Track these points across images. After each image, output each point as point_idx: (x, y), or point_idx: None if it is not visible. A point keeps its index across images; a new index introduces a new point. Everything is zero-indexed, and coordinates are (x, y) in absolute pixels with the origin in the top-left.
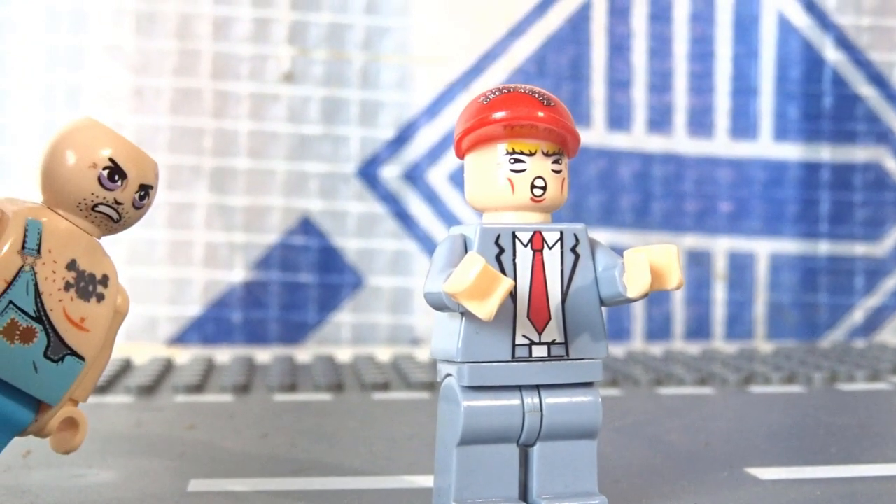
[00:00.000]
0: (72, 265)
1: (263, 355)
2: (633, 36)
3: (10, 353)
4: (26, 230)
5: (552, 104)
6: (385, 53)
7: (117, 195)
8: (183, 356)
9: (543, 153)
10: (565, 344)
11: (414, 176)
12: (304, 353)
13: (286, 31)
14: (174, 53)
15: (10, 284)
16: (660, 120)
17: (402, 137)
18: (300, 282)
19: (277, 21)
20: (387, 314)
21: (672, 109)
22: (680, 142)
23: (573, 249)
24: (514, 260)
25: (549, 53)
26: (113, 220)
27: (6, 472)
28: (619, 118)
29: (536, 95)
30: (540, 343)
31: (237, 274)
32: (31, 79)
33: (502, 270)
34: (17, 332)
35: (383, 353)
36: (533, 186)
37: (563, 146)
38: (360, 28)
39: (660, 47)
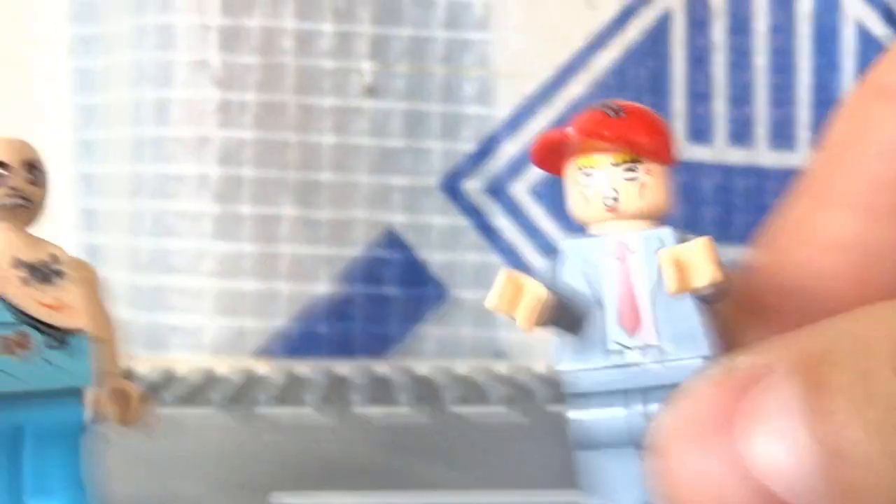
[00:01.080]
0: (17, 263)
1: (347, 368)
2: (712, 48)
3: (21, 366)
4: None
5: (622, 115)
6: (466, 67)
7: (10, 183)
8: (267, 368)
9: (612, 164)
10: (659, 346)
11: (496, 189)
12: (387, 366)
13: (368, 45)
14: (258, 68)
15: None
16: (741, 132)
17: (484, 151)
18: (384, 294)
19: (359, 35)
20: (470, 327)
21: (753, 122)
22: (761, 154)
23: (657, 253)
24: (598, 270)
25: (629, 66)
26: (24, 206)
27: (94, 486)
28: (699, 131)
29: (607, 109)
30: (633, 348)
31: (322, 287)
32: (118, 95)
33: (588, 281)
34: (13, 342)
35: (466, 367)
36: (604, 198)
37: (637, 153)
38: (441, 41)
39: (739, 59)
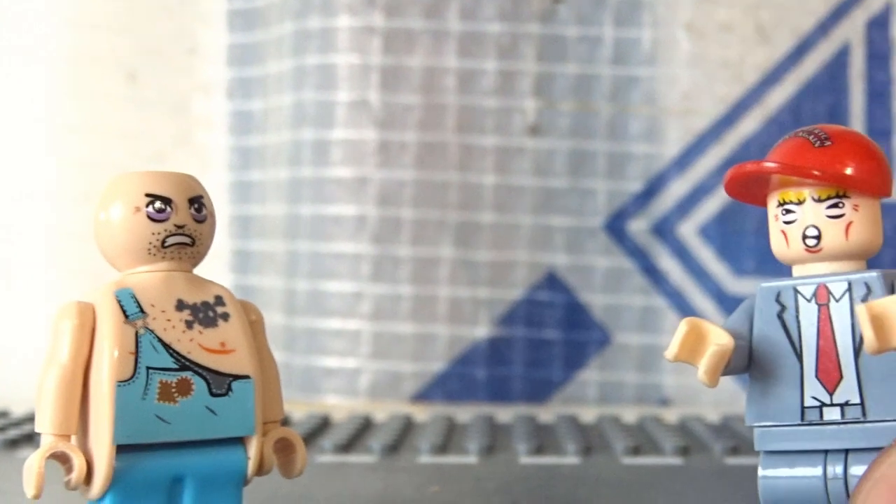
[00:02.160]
0: (180, 305)
1: (506, 414)
2: (893, 83)
3: (180, 413)
4: (119, 301)
5: (828, 143)
6: (633, 104)
7: (175, 221)
8: (425, 414)
9: (814, 199)
10: (862, 405)
11: (663, 230)
12: (547, 413)
13: (532, 82)
14: (419, 107)
15: (136, 354)
16: None
17: (651, 190)
18: (545, 338)
19: (523, 73)
20: (634, 372)
21: None
22: None
23: (865, 300)
24: (797, 317)
25: (804, 102)
26: (188, 245)
27: None
28: (886, 160)
29: (812, 137)
30: (832, 405)
31: (481, 330)
32: (276, 136)
33: (784, 328)
34: (174, 389)
35: (631, 414)
36: (805, 237)
37: (843, 188)
38: (606, 78)
39: None
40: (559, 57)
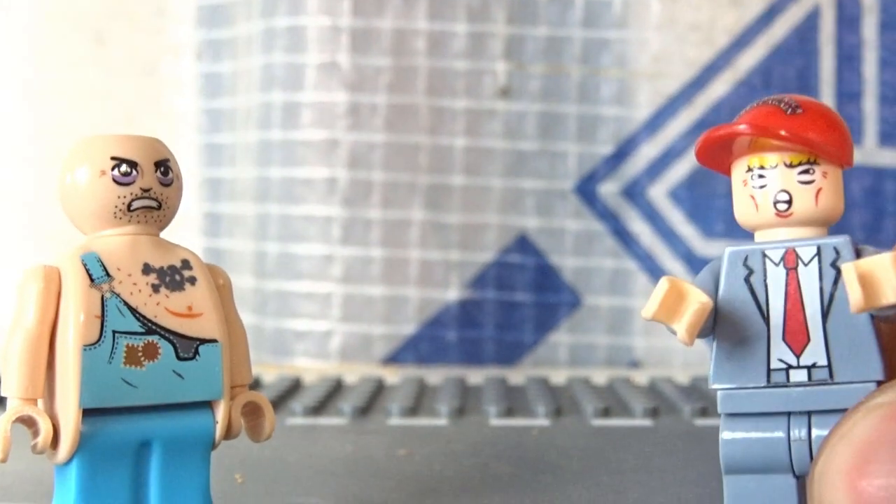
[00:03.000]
0: (147, 268)
1: (477, 376)
2: (863, 46)
3: (148, 377)
4: (84, 265)
5: (799, 111)
6: (604, 67)
7: (141, 184)
8: (396, 376)
9: (786, 165)
10: (829, 367)
11: (633, 193)
12: (518, 375)
13: (502, 45)
14: (390, 70)
15: (102, 317)
16: (892, 133)
17: (622, 153)
18: (516, 301)
19: (494, 35)
20: (605, 335)
21: None
22: None
23: (833, 264)
24: (764, 281)
25: (774, 65)
26: (154, 208)
27: (221, 500)
28: (849, 131)
29: (783, 105)
30: (798, 367)
31: (452, 292)
32: (246, 99)
33: (752, 292)
34: (140, 353)
35: (601, 376)
36: (776, 202)
37: (815, 154)
38: (577, 41)
39: (892, 57)
40: (530, 19)
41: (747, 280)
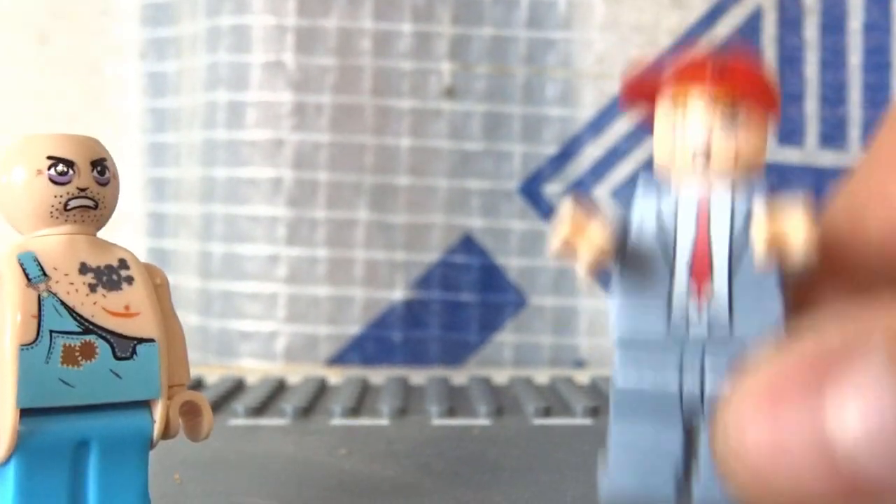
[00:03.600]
0: (83, 268)
1: (421, 377)
2: (805, 47)
3: (84, 376)
4: (21, 264)
5: (726, 60)
6: (548, 67)
7: (77, 184)
8: (339, 377)
9: (710, 102)
10: (730, 316)
11: (578, 193)
12: (462, 376)
13: (448, 45)
14: (335, 69)
15: (39, 317)
16: (833, 134)
17: (567, 153)
18: (461, 301)
19: (439, 35)
20: (550, 335)
21: (846, 123)
22: (855, 156)
23: (745, 216)
24: (674, 223)
25: None
26: (91, 208)
27: (161, 500)
28: (790, 132)
29: (710, 55)
30: (700, 323)
31: (398, 293)
32: (190, 98)
33: (661, 227)
34: (77, 353)
35: (544, 376)
36: (693, 156)
37: (739, 95)
38: (522, 42)
39: (833, 59)
40: (475, 19)
41: (657, 219)
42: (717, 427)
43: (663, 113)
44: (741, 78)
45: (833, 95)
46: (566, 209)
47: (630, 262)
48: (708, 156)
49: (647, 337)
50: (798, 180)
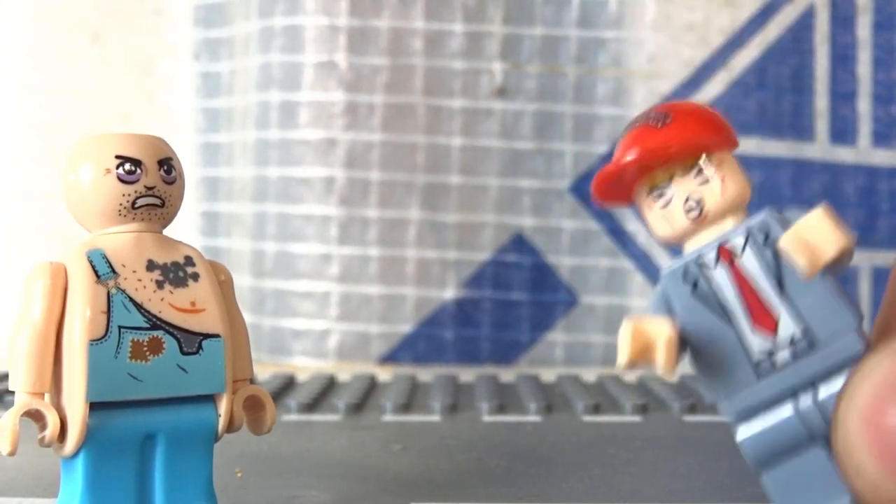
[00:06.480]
0: (151, 265)
1: (469, 375)
2: (857, 45)
3: (152, 371)
4: (90, 261)
5: (668, 121)
6: (600, 66)
7: (145, 182)
8: (388, 375)
9: (681, 174)
10: (806, 336)
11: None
12: (510, 374)
13: (499, 45)
14: (387, 69)
15: (108, 313)
16: (886, 133)
17: None
18: (512, 300)
19: (490, 35)
20: (601, 334)
21: None
22: None
23: (767, 242)
24: (710, 286)
25: (769, 64)
26: (158, 206)
27: (223, 493)
28: (843, 131)
29: (651, 121)
30: (778, 350)
31: (449, 292)
32: (245, 98)
33: (704, 303)
34: (145, 348)
35: (592, 374)
36: (688, 211)
37: (702, 151)
38: (573, 41)
39: (886, 57)
40: (526, 19)
41: (695, 293)
42: (834, 434)
43: (644, 204)
44: (698, 139)
45: (886, 94)
46: (625, 330)
47: (691, 338)
48: (701, 210)
49: (743, 393)
50: (851, 179)
